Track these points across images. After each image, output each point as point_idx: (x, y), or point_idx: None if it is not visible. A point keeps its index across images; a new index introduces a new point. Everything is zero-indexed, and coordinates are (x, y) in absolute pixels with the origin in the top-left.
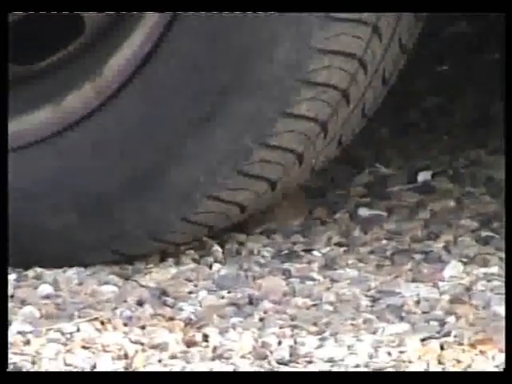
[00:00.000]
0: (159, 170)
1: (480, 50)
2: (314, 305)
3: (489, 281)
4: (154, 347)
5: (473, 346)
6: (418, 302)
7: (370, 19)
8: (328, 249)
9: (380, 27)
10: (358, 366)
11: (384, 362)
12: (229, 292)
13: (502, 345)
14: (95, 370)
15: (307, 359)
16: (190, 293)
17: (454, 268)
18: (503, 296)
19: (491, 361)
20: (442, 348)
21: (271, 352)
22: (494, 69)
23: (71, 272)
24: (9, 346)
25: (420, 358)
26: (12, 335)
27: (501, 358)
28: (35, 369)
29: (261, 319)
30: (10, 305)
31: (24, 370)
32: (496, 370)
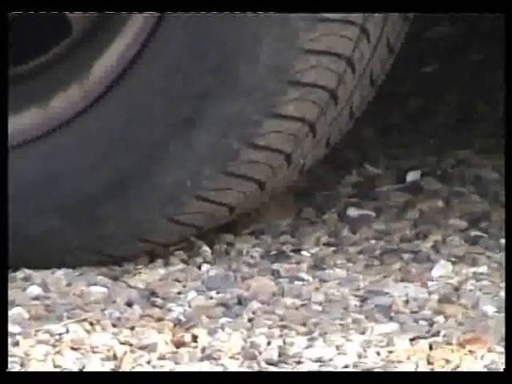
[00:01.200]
0: (146, 171)
1: (464, 50)
2: (303, 305)
3: (478, 280)
4: (142, 348)
5: (462, 345)
6: (406, 302)
7: (358, 19)
8: (317, 249)
9: (368, 27)
10: (347, 366)
11: (373, 361)
12: (218, 292)
13: (491, 344)
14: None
15: (296, 359)
16: (179, 293)
17: (442, 268)
18: (492, 295)
19: (480, 360)
20: (430, 348)
21: (260, 352)
22: (478, 69)
23: (60, 273)
24: None
25: (409, 357)
26: None
27: (490, 358)
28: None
29: (250, 319)
30: None
31: (24, 370)
32: (485, 369)
